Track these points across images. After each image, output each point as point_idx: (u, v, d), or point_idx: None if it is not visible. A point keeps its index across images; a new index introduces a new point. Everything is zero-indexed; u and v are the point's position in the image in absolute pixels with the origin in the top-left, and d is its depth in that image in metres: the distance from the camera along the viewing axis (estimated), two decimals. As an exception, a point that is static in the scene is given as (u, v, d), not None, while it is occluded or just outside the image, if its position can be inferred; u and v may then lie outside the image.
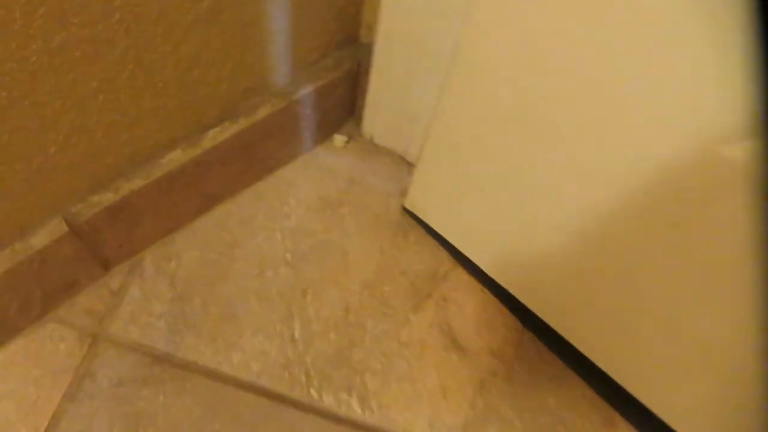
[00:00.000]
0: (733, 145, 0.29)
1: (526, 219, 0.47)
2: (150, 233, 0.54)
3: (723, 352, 0.40)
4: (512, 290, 0.55)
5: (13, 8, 0.32)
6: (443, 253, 0.59)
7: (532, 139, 0.41)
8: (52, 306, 0.52)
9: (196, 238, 0.58)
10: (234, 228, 0.58)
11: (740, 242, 0.31)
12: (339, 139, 0.63)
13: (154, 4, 0.37)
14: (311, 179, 0.61)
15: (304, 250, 0.58)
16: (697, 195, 0.33)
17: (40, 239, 0.45)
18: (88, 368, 0.51)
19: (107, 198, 0.47)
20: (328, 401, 0.51)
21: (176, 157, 0.49)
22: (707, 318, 0.38)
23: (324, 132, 0.61)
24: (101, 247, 0.51)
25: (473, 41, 0.40)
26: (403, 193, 0.61)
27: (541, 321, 0.53)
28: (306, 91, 0.53)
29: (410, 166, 0.63)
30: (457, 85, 0.43)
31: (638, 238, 0.39)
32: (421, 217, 0.59)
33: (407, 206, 0.59)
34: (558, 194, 0.42)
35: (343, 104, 0.60)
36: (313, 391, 0.51)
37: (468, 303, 0.57)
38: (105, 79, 0.39)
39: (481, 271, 0.56)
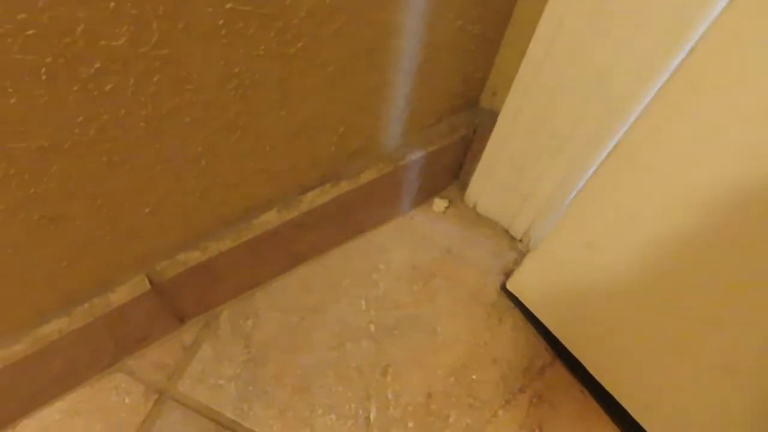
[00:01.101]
0: None
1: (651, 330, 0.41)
2: (231, 289, 0.51)
3: None
4: (621, 398, 0.48)
5: (127, 75, 0.28)
6: (542, 344, 0.53)
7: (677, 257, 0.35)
8: (123, 356, 0.49)
9: (277, 297, 0.54)
10: (318, 290, 0.54)
11: None
12: (439, 203, 0.58)
13: (275, 72, 0.33)
14: (405, 245, 0.57)
15: (390, 324, 0.53)
16: None
17: (120, 296, 0.42)
18: (149, 428, 0.48)
19: (194, 257, 0.43)
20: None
21: (270, 219, 0.45)
22: None
23: (424, 194, 0.57)
24: (180, 303, 0.48)
25: (640, 141, 0.34)
26: (504, 270, 0.56)
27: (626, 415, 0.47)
28: (416, 156, 0.48)
29: (513, 240, 0.57)
30: (604, 180, 0.38)
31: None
32: (522, 300, 0.53)
33: (509, 287, 0.53)
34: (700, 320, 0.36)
35: (451, 168, 0.55)
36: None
37: (565, 405, 0.51)
38: (210, 143, 0.35)
39: (585, 369, 0.50)
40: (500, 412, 0.50)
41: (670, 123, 0.33)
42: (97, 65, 0.27)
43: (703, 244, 0.34)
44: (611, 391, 0.49)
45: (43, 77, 0.26)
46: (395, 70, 0.39)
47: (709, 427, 0.41)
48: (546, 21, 0.39)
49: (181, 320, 0.50)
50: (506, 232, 0.57)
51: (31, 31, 0.24)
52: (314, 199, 0.46)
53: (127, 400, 0.49)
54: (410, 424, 0.49)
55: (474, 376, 0.52)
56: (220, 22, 0.29)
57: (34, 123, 0.27)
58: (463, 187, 0.57)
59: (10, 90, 0.26)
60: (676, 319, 0.39)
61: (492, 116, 0.49)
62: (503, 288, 0.55)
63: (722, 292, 0.35)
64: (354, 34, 0.34)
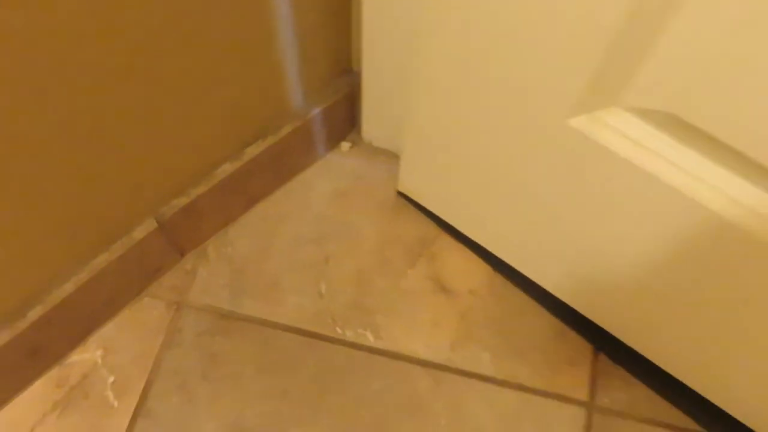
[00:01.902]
0: None
1: (498, 189, 0.65)
2: (211, 227, 0.74)
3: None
4: (485, 244, 0.73)
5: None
6: (431, 224, 0.78)
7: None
8: (146, 285, 0.72)
9: (245, 229, 0.77)
10: (272, 219, 0.78)
11: None
12: (345, 145, 0.82)
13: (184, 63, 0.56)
14: (326, 178, 0.81)
15: (326, 231, 0.77)
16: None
17: (139, 233, 0.65)
18: (175, 326, 0.71)
19: (182, 201, 0.66)
20: (349, 335, 0.70)
21: (227, 168, 0.68)
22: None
23: (333, 141, 0.81)
24: (178, 239, 0.71)
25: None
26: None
27: (507, 265, 0.72)
28: (316, 111, 0.72)
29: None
30: (426, 77, 0.62)
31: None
32: (411, 196, 0.77)
33: (400, 189, 0.78)
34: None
35: (346, 119, 0.79)
36: (338, 329, 0.70)
37: (451, 258, 0.76)
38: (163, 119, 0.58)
39: (459, 232, 0.75)
40: (408, 271, 0.75)
41: None
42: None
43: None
44: (478, 242, 0.73)
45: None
46: (281, 50, 0.62)
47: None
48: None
49: (182, 254, 0.73)
50: (396, 155, 0.81)
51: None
52: (252, 151, 0.69)
53: (155, 313, 0.72)
54: (349, 290, 0.73)
55: (387, 253, 0.76)
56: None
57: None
58: (360, 130, 0.81)
59: None
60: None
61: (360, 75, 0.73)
62: (398, 192, 0.79)
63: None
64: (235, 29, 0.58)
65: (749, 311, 0.50)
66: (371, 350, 0.70)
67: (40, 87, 0.44)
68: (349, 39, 0.70)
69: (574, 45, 0.43)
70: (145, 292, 0.72)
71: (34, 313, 0.60)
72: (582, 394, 0.69)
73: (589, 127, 0.48)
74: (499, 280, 0.74)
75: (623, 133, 0.47)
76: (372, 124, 0.79)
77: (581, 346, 0.71)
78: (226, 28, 0.54)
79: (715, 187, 0.45)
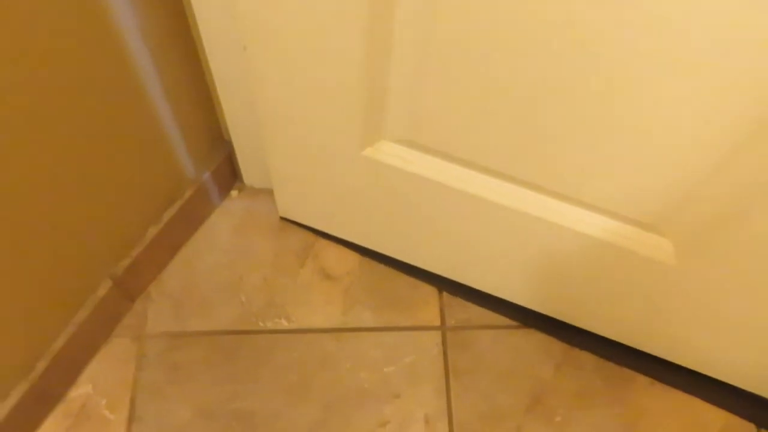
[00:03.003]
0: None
1: (343, 201, 0.95)
2: (150, 275, 1.00)
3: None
4: (351, 239, 1.03)
5: (77, 192, 0.77)
6: (308, 233, 1.07)
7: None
8: (112, 328, 0.97)
9: (174, 270, 1.03)
10: (192, 259, 1.04)
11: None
12: (234, 193, 1.10)
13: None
14: (225, 219, 1.08)
15: (234, 257, 1.05)
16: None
17: (101, 292, 0.90)
18: (141, 353, 0.96)
19: (126, 261, 0.92)
20: (269, 325, 0.98)
21: (152, 231, 0.94)
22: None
23: (224, 191, 1.08)
24: (128, 290, 0.96)
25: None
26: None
27: (370, 249, 1.02)
28: (206, 175, 1.00)
29: (278, 193, 1.10)
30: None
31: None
32: (289, 217, 1.06)
33: (281, 215, 1.07)
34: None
35: (230, 173, 1.07)
36: (260, 323, 0.99)
37: (328, 254, 1.05)
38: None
39: (330, 235, 1.04)
40: (300, 270, 1.04)
41: None
42: None
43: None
44: (350, 239, 1.03)
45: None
46: (169, 137, 0.90)
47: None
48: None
49: (132, 300, 0.99)
50: (272, 190, 1.10)
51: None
52: (168, 214, 0.96)
53: (124, 348, 0.97)
54: (262, 294, 1.01)
55: (283, 260, 1.04)
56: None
57: (54, 221, 0.76)
58: (242, 179, 1.10)
59: None
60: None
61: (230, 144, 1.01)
62: (280, 217, 1.08)
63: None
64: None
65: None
66: (287, 331, 0.99)
67: None
68: (217, 116, 0.98)
69: (341, 103, 0.72)
70: (113, 334, 0.97)
71: (41, 365, 0.84)
72: (436, 322, 1.00)
73: (375, 155, 0.79)
74: (366, 261, 1.05)
75: (399, 157, 0.78)
76: (249, 173, 1.07)
77: (430, 291, 1.03)
78: (120, 130, 0.81)
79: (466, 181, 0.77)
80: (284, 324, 0.99)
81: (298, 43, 0.65)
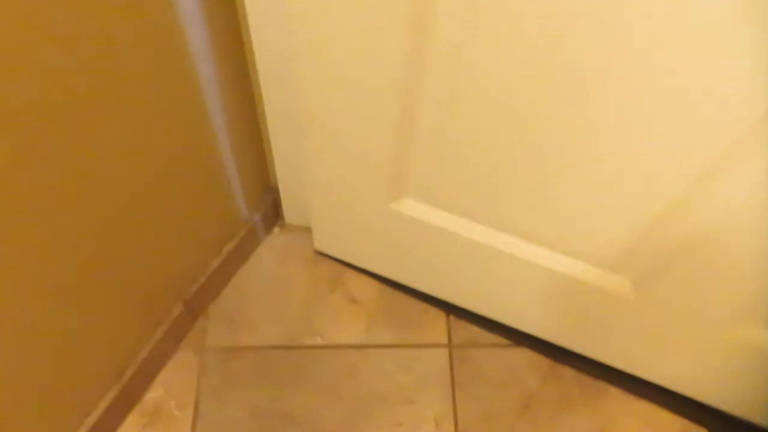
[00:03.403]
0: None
1: (375, 243, 1.17)
2: (209, 298, 1.21)
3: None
4: (376, 271, 1.24)
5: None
6: (339, 264, 1.28)
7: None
8: (179, 342, 1.18)
9: (227, 295, 1.25)
10: (242, 285, 1.26)
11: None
12: (276, 230, 1.31)
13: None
14: (269, 253, 1.30)
15: (276, 284, 1.26)
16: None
17: (175, 312, 1.11)
18: (202, 362, 1.17)
19: (194, 287, 1.13)
20: (307, 341, 1.20)
21: (216, 262, 1.16)
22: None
23: (268, 229, 1.30)
24: (193, 310, 1.18)
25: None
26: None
27: (391, 279, 1.24)
28: (257, 217, 1.22)
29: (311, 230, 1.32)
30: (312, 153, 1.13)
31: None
32: (323, 251, 1.28)
33: (316, 249, 1.28)
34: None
35: (274, 214, 1.29)
36: (299, 339, 1.20)
37: (355, 282, 1.27)
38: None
39: (357, 267, 1.26)
40: (331, 295, 1.25)
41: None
42: (161, 235, 0.98)
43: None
44: (375, 271, 1.25)
45: (150, 244, 0.96)
46: (231, 187, 1.11)
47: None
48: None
49: (195, 318, 1.20)
50: (308, 228, 1.32)
51: (148, 234, 0.95)
52: (227, 248, 1.17)
53: (188, 359, 1.18)
54: (300, 315, 1.23)
55: (317, 288, 1.26)
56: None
57: (149, 257, 0.98)
58: (283, 218, 1.31)
59: (144, 251, 0.96)
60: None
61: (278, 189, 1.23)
62: (315, 251, 1.29)
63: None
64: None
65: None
66: (321, 347, 1.20)
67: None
68: (267, 169, 1.20)
69: (374, 166, 0.94)
70: (179, 346, 1.18)
71: (128, 373, 1.05)
72: (444, 340, 1.22)
73: (400, 208, 1.01)
74: (386, 288, 1.26)
75: (419, 211, 1.00)
76: (290, 213, 1.29)
77: (438, 314, 1.24)
78: (194, 180, 1.03)
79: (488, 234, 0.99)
80: (318, 341, 1.20)
81: (345, 119, 0.87)
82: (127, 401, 1.10)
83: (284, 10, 0.73)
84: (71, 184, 0.69)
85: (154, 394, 1.14)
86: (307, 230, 1.30)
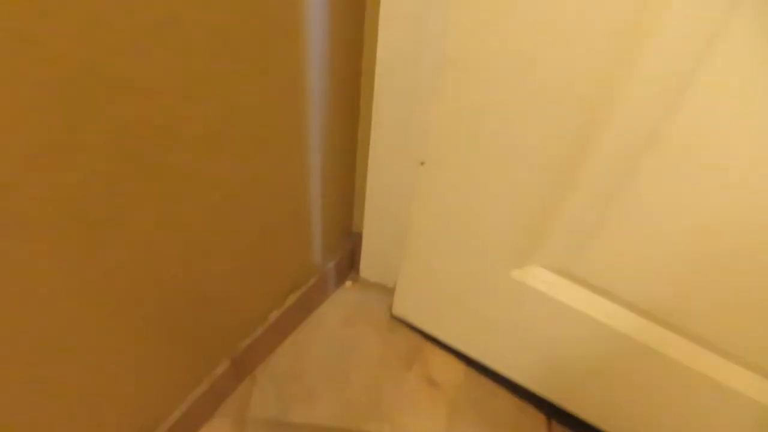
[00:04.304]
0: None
1: (472, 313, 0.94)
2: (259, 358, 1.00)
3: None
4: (462, 349, 1.01)
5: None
6: (418, 336, 1.06)
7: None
8: (217, 407, 0.96)
9: (281, 356, 1.03)
10: (300, 345, 1.04)
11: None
12: (348, 283, 1.10)
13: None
14: (337, 309, 1.08)
15: (342, 350, 1.04)
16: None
17: (219, 370, 0.90)
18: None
19: (246, 342, 0.92)
20: (371, 428, 0.96)
21: (274, 315, 0.95)
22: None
23: (340, 281, 1.09)
24: (239, 370, 0.96)
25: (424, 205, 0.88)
26: (389, 306, 1.09)
27: (478, 362, 1.00)
28: (331, 265, 1.01)
29: (389, 290, 1.10)
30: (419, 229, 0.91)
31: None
32: (402, 318, 1.06)
33: (394, 314, 1.06)
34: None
35: (349, 265, 1.08)
36: (363, 426, 0.96)
37: (436, 360, 1.04)
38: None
39: (439, 340, 1.03)
40: (407, 374, 1.02)
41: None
42: (220, 273, 0.77)
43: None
44: (461, 349, 1.02)
45: (207, 283, 0.76)
46: (310, 230, 0.91)
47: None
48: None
49: (240, 380, 0.98)
50: (385, 286, 1.10)
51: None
52: (290, 300, 0.97)
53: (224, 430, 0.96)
54: (367, 394, 1.00)
55: (390, 362, 1.03)
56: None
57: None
58: (358, 270, 1.10)
59: (198, 291, 0.75)
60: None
61: (360, 235, 1.02)
62: (391, 315, 1.07)
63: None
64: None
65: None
66: (389, 437, 0.96)
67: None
68: (352, 212, 1.00)
69: (503, 226, 0.73)
70: (216, 413, 0.96)
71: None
72: (542, 450, 0.96)
73: (522, 277, 0.79)
74: (472, 372, 1.03)
75: (547, 282, 0.78)
76: (367, 266, 1.08)
77: (538, 417, 0.99)
78: (270, 215, 0.83)
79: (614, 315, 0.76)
80: (386, 429, 0.97)
81: (480, 166, 0.67)
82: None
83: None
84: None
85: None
86: (384, 289, 1.09)
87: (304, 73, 0.68)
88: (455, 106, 0.65)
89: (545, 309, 0.80)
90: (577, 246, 0.70)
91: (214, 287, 0.79)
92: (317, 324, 1.07)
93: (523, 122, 0.61)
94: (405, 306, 1.03)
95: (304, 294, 0.99)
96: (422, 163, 0.71)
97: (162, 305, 0.71)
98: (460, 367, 1.03)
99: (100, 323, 0.63)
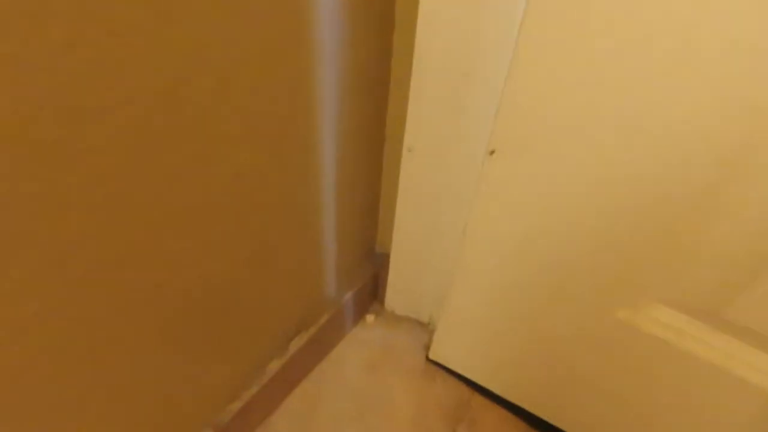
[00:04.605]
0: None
1: (540, 360, 0.70)
2: (258, 419, 0.75)
3: None
4: (522, 404, 0.77)
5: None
6: (463, 386, 0.81)
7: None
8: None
9: (286, 413, 0.78)
10: (311, 399, 0.80)
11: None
12: (369, 317, 0.86)
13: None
14: (357, 351, 0.84)
15: (363, 405, 0.79)
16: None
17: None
18: None
19: (236, 405, 0.68)
20: None
21: (274, 366, 0.71)
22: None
23: (359, 316, 0.85)
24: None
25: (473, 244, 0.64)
26: (424, 346, 0.84)
27: (544, 421, 0.76)
28: (348, 296, 0.77)
29: (423, 325, 0.86)
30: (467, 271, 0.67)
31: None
32: (443, 363, 0.81)
33: (432, 357, 0.82)
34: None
35: (370, 294, 0.84)
36: None
37: (488, 419, 0.79)
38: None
39: (492, 393, 0.79)
40: (449, 436, 0.77)
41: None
42: (195, 319, 0.53)
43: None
44: (521, 404, 0.77)
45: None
46: (320, 245, 0.67)
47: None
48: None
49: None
50: (417, 321, 0.86)
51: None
52: (296, 344, 0.72)
53: None
54: (398, 466, 0.75)
55: (427, 422, 0.79)
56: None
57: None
58: (382, 301, 0.86)
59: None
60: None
61: (385, 257, 0.78)
62: (428, 358, 0.83)
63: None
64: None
65: None
66: None
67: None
68: (376, 228, 0.76)
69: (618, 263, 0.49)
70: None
71: None
72: None
73: (631, 317, 0.54)
74: (537, 435, 0.78)
75: (662, 323, 0.54)
76: (396, 296, 0.84)
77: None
78: (280, 239, 0.59)
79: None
80: None
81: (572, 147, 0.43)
82: None
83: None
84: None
85: None
86: (417, 325, 0.85)
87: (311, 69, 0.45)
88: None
89: (669, 366, 0.56)
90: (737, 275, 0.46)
91: (192, 332, 0.55)
92: (332, 371, 0.82)
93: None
94: (446, 348, 0.79)
95: (314, 335, 0.74)
96: (492, 152, 0.47)
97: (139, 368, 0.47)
98: (519, 428, 0.79)
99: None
